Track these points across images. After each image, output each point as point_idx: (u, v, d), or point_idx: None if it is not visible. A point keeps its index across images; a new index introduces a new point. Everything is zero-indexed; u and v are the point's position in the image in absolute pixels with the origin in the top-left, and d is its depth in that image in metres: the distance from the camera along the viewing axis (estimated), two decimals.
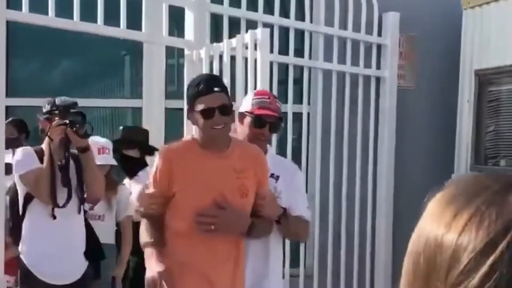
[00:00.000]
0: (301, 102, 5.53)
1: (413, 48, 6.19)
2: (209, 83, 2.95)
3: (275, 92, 5.17)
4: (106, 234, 4.45)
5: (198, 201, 2.93)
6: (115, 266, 4.57)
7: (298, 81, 5.61)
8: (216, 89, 2.92)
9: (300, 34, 5.52)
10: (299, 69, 5.57)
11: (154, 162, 3.11)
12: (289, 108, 5.31)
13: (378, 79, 6.01)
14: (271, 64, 5.05)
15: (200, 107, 2.90)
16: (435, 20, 6.13)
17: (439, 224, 0.75)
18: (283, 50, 5.33)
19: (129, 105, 6.45)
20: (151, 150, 4.81)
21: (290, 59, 5.36)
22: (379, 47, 5.96)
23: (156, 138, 5.25)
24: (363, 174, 5.88)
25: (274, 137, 5.09)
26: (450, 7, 6.05)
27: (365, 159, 5.93)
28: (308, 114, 5.62)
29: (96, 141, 4.33)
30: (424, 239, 0.76)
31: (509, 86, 5.60)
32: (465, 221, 0.72)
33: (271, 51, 5.05)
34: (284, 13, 5.40)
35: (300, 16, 5.48)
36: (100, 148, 4.39)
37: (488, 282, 0.68)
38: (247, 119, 3.22)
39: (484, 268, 0.69)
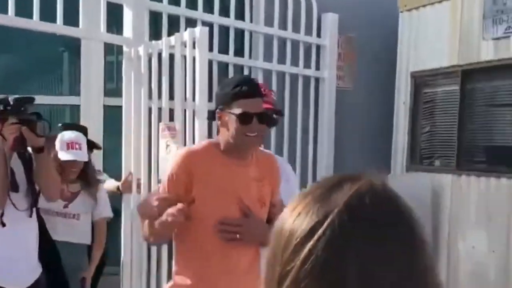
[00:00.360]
0: None
1: (351, 49, 6.29)
2: (253, 87, 2.74)
3: (215, 91, 5.19)
4: (80, 234, 4.32)
5: (219, 209, 2.72)
6: (86, 267, 4.39)
7: None
8: (258, 94, 2.73)
9: (240, 33, 5.54)
10: (240, 69, 5.58)
11: (169, 164, 2.85)
12: None
13: (317, 80, 6.08)
14: (211, 62, 5.06)
15: (237, 110, 2.67)
16: (373, 22, 6.24)
17: (286, 216, 0.90)
18: (224, 49, 5.35)
19: (67, 103, 6.34)
20: (91, 146, 4.71)
21: (230, 58, 5.38)
22: (318, 47, 6.03)
23: (95, 135, 5.17)
24: (302, 174, 5.94)
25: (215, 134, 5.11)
26: (388, 9, 6.17)
27: (305, 159, 6.00)
28: None
29: (65, 136, 4.16)
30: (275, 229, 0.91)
31: (444, 88, 5.75)
32: (298, 212, 0.88)
33: (211, 49, 5.05)
34: (225, 12, 5.41)
35: (241, 16, 5.51)
36: (69, 143, 4.16)
37: (307, 263, 0.82)
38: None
39: (305, 251, 0.83)
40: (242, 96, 2.67)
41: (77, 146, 4.19)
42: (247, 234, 2.72)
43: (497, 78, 5.24)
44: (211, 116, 2.86)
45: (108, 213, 4.53)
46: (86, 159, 4.28)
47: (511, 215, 5.05)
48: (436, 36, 5.72)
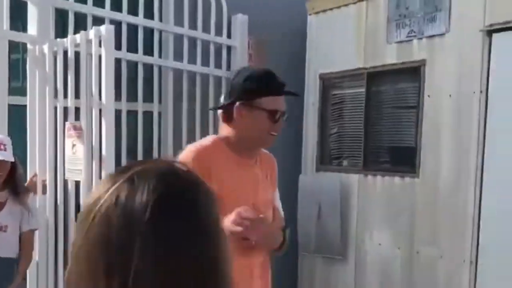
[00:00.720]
0: (152, 101, 5.52)
1: (262, 50, 6.34)
2: (282, 84, 2.61)
3: (124, 90, 5.14)
4: (7, 247, 4.08)
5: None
6: (14, 281, 4.14)
7: (150, 80, 5.59)
8: (283, 92, 2.60)
9: (150, 32, 5.51)
10: (150, 68, 5.54)
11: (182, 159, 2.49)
12: (140, 106, 5.31)
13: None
14: (119, 61, 5.01)
15: (268, 106, 2.52)
16: (283, 24, 6.31)
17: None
18: (134, 48, 5.30)
19: None
20: None
21: (139, 57, 5.33)
22: (229, 48, 6.06)
23: None
24: None
25: (125, 133, 5.07)
26: (297, 12, 6.26)
27: None
28: (160, 113, 5.62)
29: None
30: None
31: (351, 89, 5.88)
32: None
33: (119, 48, 5.01)
34: (134, 11, 5.36)
35: (150, 15, 5.47)
36: None
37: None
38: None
39: (86, 225, 0.92)
40: (272, 93, 2.55)
41: (1, 147, 4.01)
42: (263, 239, 2.56)
43: (401, 81, 5.41)
44: (222, 107, 2.63)
45: (36, 224, 4.33)
46: (12, 159, 4.07)
47: (415, 213, 5.22)
48: (343, 39, 5.85)
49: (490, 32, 4.57)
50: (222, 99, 2.69)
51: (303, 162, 6.36)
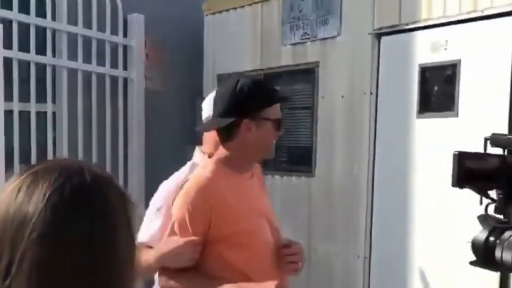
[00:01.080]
0: (45, 101, 5.38)
1: (159, 50, 6.31)
2: (276, 90, 2.50)
3: (16, 90, 4.99)
4: None
5: (258, 234, 2.43)
6: None
7: (44, 80, 5.45)
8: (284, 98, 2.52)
9: (43, 31, 5.37)
10: (43, 67, 5.40)
11: (179, 204, 2.37)
12: (32, 106, 5.16)
13: (126, 80, 6.04)
14: (10, 61, 4.86)
15: (273, 115, 2.36)
16: (181, 24, 6.29)
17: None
18: (27, 48, 5.15)
19: None
20: None
21: (32, 56, 5.19)
22: (125, 48, 5.99)
23: None
24: (113, 175, 5.85)
25: (17, 134, 4.91)
26: (195, 12, 6.26)
27: (115, 160, 5.91)
28: (54, 113, 5.49)
29: None
30: None
31: None
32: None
33: (9, 47, 4.87)
34: (26, 9, 5.21)
35: (43, 13, 5.33)
36: None
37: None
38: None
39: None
40: (275, 101, 2.40)
41: None
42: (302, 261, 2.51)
43: (296, 82, 5.51)
44: (229, 126, 2.35)
45: None
46: None
47: (312, 211, 5.33)
48: (239, 40, 5.90)
49: (378, 35, 4.74)
50: (214, 118, 2.43)
51: None
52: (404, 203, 4.59)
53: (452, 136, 4.22)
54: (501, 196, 2.27)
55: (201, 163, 2.58)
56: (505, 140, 2.28)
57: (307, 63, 5.31)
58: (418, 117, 4.50)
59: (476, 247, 2.28)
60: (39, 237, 0.91)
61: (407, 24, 4.54)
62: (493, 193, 2.27)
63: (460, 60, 4.21)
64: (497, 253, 2.20)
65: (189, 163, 2.76)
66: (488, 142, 2.25)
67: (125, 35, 5.96)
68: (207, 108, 2.59)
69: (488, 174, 2.25)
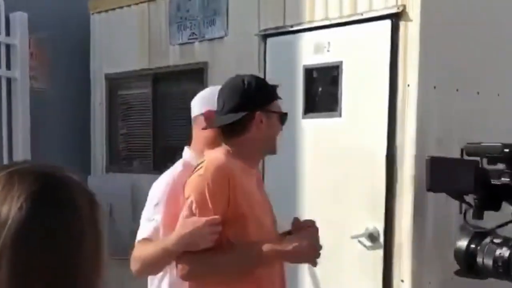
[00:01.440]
0: None
1: (43, 49, 6.13)
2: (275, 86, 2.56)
3: None
4: None
5: (264, 227, 2.40)
6: None
7: None
8: None
9: None
10: None
11: (194, 184, 2.31)
12: None
13: (9, 80, 5.84)
14: None
15: (278, 108, 2.49)
16: (66, 22, 6.15)
17: None
18: None
19: None
20: None
21: None
22: (8, 47, 5.78)
23: None
24: None
25: None
26: (81, 10, 6.13)
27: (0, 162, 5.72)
28: None
29: None
30: None
31: (137, 90, 5.87)
32: None
33: None
34: None
35: None
36: None
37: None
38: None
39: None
40: (277, 96, 2.51)
41: None
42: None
43: (186, 82, 5.48)
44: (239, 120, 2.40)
45: None
46: None
47: None
48: (127, 40, 5.81)
49: (264, 36, 4.77)
50: (223, 114, 2.44)
51: (92, 162, 6.25)
52: (294, 201, 4.64)
53: (336, 136, 4.30)
54: (476, 200, 2.32)
55: (204, 156, 2.48)
56: (479, 148, 2.33)
57: (196, 63, 5.28)
58: (304, 117, 4.55)
59: (458, 256, 2.32)
60: (14, 238, 0.95)
61: (291, 26, 4.58)
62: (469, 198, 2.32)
63: (342, 62, 4.29)
64: (479, 259, 2.25)
65: (181, 160, 2.75)
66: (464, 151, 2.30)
67: (7, 33, 5.74)
68: (198, 106, 2.75)
69: (462, 179, 2.28)
